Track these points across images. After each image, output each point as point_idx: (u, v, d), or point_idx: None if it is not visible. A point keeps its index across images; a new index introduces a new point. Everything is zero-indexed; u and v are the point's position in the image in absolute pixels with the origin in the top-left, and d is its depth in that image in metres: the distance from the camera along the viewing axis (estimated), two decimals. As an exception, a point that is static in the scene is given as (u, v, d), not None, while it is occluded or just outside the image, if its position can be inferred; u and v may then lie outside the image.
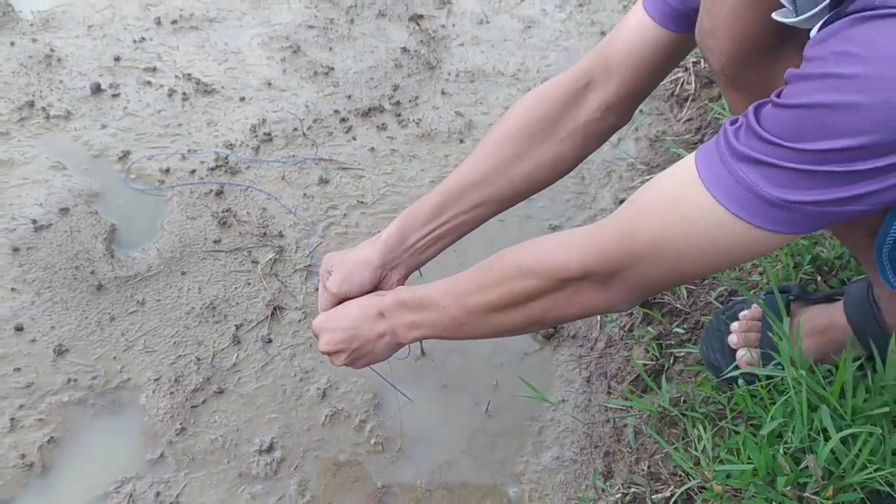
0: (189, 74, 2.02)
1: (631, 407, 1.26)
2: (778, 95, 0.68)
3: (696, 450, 1.07)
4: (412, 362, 1.42)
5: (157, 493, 1.21)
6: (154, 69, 2.04)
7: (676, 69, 2.06)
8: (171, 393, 1.34)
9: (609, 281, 0.84)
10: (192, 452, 1.27)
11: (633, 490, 1.15)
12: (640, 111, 1.98)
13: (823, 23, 0.66)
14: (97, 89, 1.95)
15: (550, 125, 1.11)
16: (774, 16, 0.77)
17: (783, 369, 1.04)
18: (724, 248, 0.75)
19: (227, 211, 1.66)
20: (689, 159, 0.77)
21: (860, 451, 0.93)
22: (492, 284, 0.93)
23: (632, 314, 1.45)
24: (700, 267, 0.80)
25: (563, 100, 1.11)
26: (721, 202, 0.72)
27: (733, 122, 0.72)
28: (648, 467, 1.17)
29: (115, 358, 1.39)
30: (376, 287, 1.13)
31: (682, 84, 2.01)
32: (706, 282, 1.40)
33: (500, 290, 0.92)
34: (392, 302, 1.05)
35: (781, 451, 0.97)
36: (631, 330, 1.42)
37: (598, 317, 1.47)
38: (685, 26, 1.01)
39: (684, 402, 1.19)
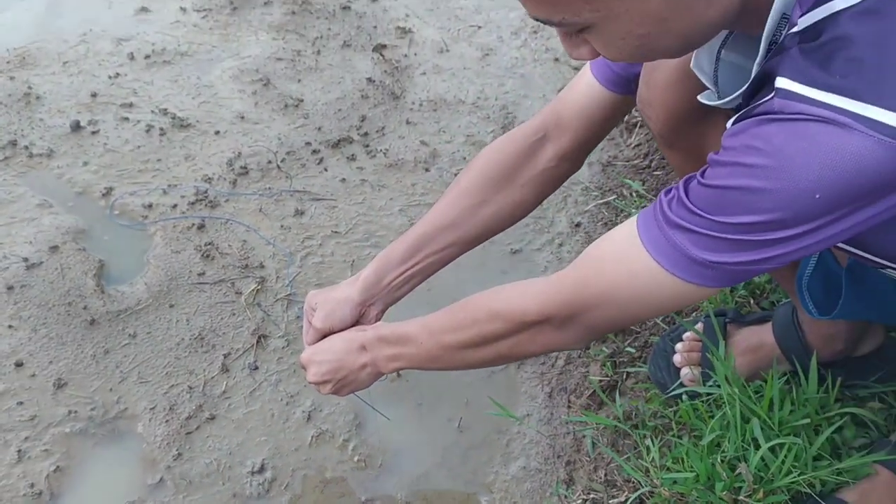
0: (165, 109, 2.11)
1: (587, 421, 1.40)
2: (702, 174, 0.82)
3: (645, 460, 1.21)
4: (389, 384, 1.54)
5: (160, 516, 1.32)
6: (130, 105, 2.12)
7: (625, 97, 2.20)
8: (167, 421, 1.44)
9: (565, 324, 0.97)
10: (189, 476, 1.38)
11: (592, 496, 1.29)
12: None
13: (737, 118, 0.80)
14: (77, 126, 2.03)
15: (510, 174, 1.25)
16: (699, 98, 0.91)
17: (720, 387, 1.18)
18: (662, 298, 0.88)
19: (209, 244, 1.76)
20: (632, 223, 0.90)
21: (785, 458, 1.08)
22: (463, 325, 1.06)
23: (588, 333, 1.59)
24: (642, 314, 0.94)
25: (521, 151, 1.24)
26: (658, 261, 0.85)
27: (667, 193, 0.86)
28: (605, 475, 1.31)
29: (111, 389, 1.49)
30: (357, 322, 1.25)
31: (630, 113, 2.16)
32: (654, 303, 1.54)
33: (471, 330, 1.05)
34: (373, 336, 1.17)
35: (719, 459, 1.12)
36: (588, 349, 1.57)
37: (558, 336, 1.61)
38: (628, 89, 1.15)
39: (635, 415, 1.34)
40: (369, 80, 2.26)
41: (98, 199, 1.86)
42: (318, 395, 1.49)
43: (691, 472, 1.14)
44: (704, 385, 1.24)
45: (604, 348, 1.51)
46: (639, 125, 2.14)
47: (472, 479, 1.41)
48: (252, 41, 2.39)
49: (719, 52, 0.94)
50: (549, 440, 1.45)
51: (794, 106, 0.73)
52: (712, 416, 1.19)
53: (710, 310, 1.32)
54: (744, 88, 0.83)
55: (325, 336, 1.24)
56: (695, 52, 0.94)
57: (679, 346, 1.33)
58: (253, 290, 1.68)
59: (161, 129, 2.05)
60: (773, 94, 0.75)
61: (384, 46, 2.42)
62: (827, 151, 0.71)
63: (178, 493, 1.36)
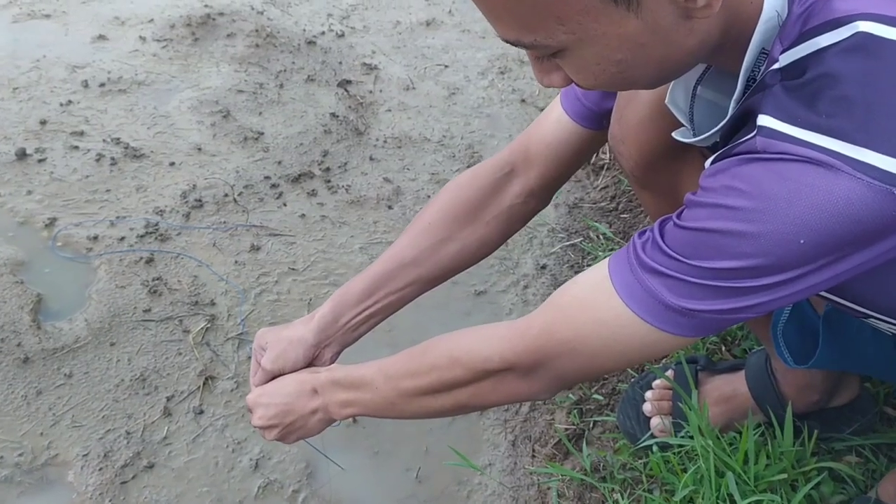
0: (118, 139, 2.03)
1: (552, 473, 1.33)
2: (679, 216, 0.77)
3: (615, 516, 1.14)
4: (344, 430, 1.45)
5: (87, 574, 1.21)
6: (81, 133, 2.04)
7: (593, 139, 2.18)
8: (100, 469, 1.34)
9: (530, 373, 0.90)
10: (122, 530, 1.27)
11: (557, 554, 1.21)
12: (560, 178, 2.09)
13: (716, 157, 0.75)
14: (22, 154, 1.94)
15: (476, 210, 1.19)
16: (674, 135, 0.87)
17: (693, 438, 1.12)
18: (633, 347, 0.82)
19: (157, 279, 1.67)
20: (603, 266, 0.85)
21: (761, 517, 1.02)
22: (422, 371, 0.99)
23: (554, 379, 1.52)
24: (612, 363, 0.87)
25: (487, 186, 1.19)
26: (629, 306, 0.79)
27: (641, 234, 0.81)
28: (571, 531, 1.23)
29: (42, 433, 1.38)
30: (310, 364, 1.17)
31: (597, 154, 2.13)
32: (622, 348, 1.49)
33: (430, 377, 0.98)
34: (326, 380, 1.09)
35: (692, 516, 1.05)
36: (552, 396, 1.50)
37: (523, 382, 1.54)
38: (598, 125, 1.11)
39: (603, 467, 1.27)
40: (333, 115, 2.21)
41: (40, 230, 1.76)
42: (268, 442, 1.40)
43: (663, 530, 1.07)
44: (676, 436, 1.18)
45: (570, 395, 1.44)
46: (605, 167, 2.11)
47: (429, 535, 1.32)
48: (213, 72, 2.33)
49: (695, 88, 0.90)
50: (511, 492, 1.37)
51: (777, 145, 0.68)
52: (685, 470, 1.12)
53: (681, 357, 1.26)
54: (722, 125, 0.79)
55: (274, 378, 1.16)
56: (670, 87, 0.89)
57: (649, 394, 1.27)
58: (202, 328, 1.59)
59: (112, 158, 1.97)
60: (755, 133, 0.70)
61: (349, 82, 2.38)
62: (813, 194, 0.66)
63: (109, 549, 1.25)
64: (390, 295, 1.18)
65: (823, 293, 0.88)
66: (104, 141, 2.02)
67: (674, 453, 1.15)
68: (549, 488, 1.34)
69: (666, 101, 0.89)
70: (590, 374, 0.91)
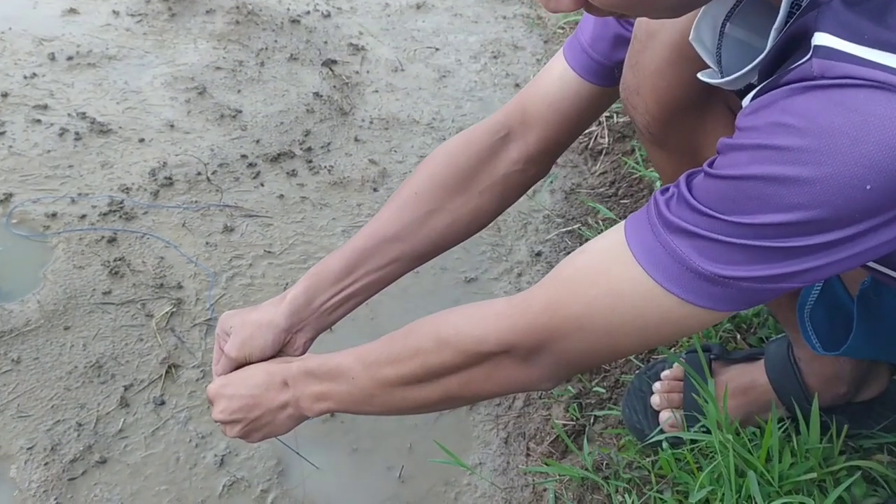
0: (83, 113, 1.90)
1: (550, 472, 1.20)
2: (710, 164, 0.65)
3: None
4: (319, 425, 1.32)
5: (24, 582, 1.07)
6: (45, 106, 1.90)
7: (590, 123, 2.06)
8: (46, 464, 1.20)
9: (531, 357, 0.78)
10: (67, 532, 1.14)
11: (555, 563, 1.08)
12: (556, 164, 1.97)
13: (757, 91, 0.63)
14: (-21, 126, 1.80)
15: (468, 178, 1.06)
16: (700, 76, 0.75)
17: (709, 432, 1.00)
18: (655, 323, 0.70)
19: (119, 260, 1.53)
20: (618, 228, 0.72)
21: (790, 521, 0.89)
22: (405, 356, 0.86)
23: (550, 372, 1.40)
24: (629, 343, 0.75)
25: (480, 152, 1.06)
26: (651, 275, 0.67)
27: (664, 192, 0.68)
28: (571, 537, 1.11)
29: (-18, 424, 1.25)
30: (280, 351, 1.04)
31: (595, 138, 2.02)
32: (625, 338, 1.36)
33: (414, 362, 0.85)
34: (298, 370, 0.97)
35: (710, 520, 0.93)
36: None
37: (516, 374, 1.42)
38: (608, 80, 0.99)
39: (607, 466, 1.14)
40: (316, 94, 2.08)
41: (-6, 206, 1.62)
42: (230, 439, 1.26)
43: (677, 535, 0.94)
44: (689, 431, 1.05)
45: (569, 388, 1.31)
46: (604, 152, 1.99)
47: (412, 540, 1.19)
48: (190, 49, 2.20)
49: (723, 25, 0.77)
50: (504, 493, 1.24)
51: (839, 68, 0.56)
52: (700, 469, 1.00)
53: (696, 342, 1.14)
54: (761, 58, 0.66)
55: (239, 367, 1.03)
56: (695, 23, 0.77)
57: (657, 385, 1.15)
58: (167, 312, 1.46)
59: (77, 133, 1.83)
60: (809, 55, 0.58)
61: (334, 62, 2.25)
62: (883, 128, 0.54)
63: (52, 554, 1.11)
64: (371, 273, 1.06)
65: (871, 263, 0.77)
66: (69, 115, 1.88)
67: (687, 450, 1.03)
68: (545, 490, 1.22)
69: (690, 38, 0.77)
70: (600, 358, 0.79)
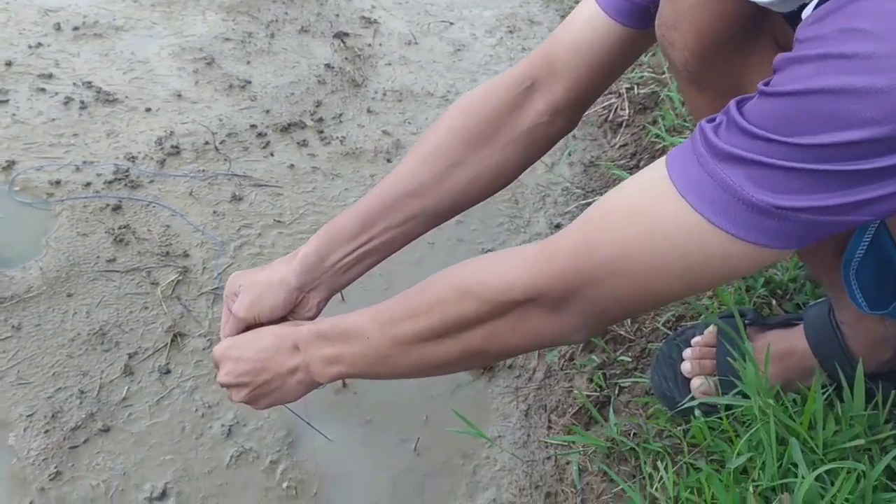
0: (89, 83, 1.84)
1: (574, 443, 1.14)
2: (766, 84, 0.58)
3: (652, 487, 0.95)
4: (332, 395, 1.26)
5: (22, 552, 1.02)
6: (50, 76, 1.85)
7: (609, 94, 2.00)
8: (47, 431, 1.15)
9: (561, 305, 0.72)
10: (67, 501, 1.08)
11: (580, 536, 1.02)
12: (574, 136, 1.91)
13: (819, 1, 0.57)
14: (-18, 94, 1.75)
15: (491, 130, 1.00)
16: None
17: (746, 398, 0.94)
18: (699, 264, 0.64)
19: (124, 227, 1.48)
20: (658, 164, 0.66)
21: (839, 489, 0.83)
22: (423, 309, 0.80)
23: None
24: (670, 288, 0.68)
25: (504, 103, 1.00)
26: (697, 209, 0.61)
27: (710, 120, 0.62)
28: (597, 510, 1.05)
29: (-20, 391, 1.19)
30: (291, 312, 0.99)
31: (615, 110, 1.95)
32: (651, 308, 1.30)
33: (432, 315, 0.79)
34: (309, 333, 0.91)
35: (751, 489, 0.86)
36: (572, 359, 1.31)
37: (536, 346, 1.36)
38: (642, 21, 0.92)
39: (635, 435, 1.08)
40: (328, 66, 2.03)
41: (-4, 173, 1.57)
42: (244, 406, 1.21)
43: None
44: (724, 397, 0.99)
45: (593, 357, 1.25)
46: (624, 124, 1.93)
47: (429, 514, 1.13)
48: (198, 20, 2.15)
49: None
50: (525, 467, 1.18)
51: None
52: (737, 436, 0.94)
53: (730, 307, 1.08)
54: None
55: (248, 329, 0.97)
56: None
57: (688, 352, 1.08)
58: (172, 280, 1.40)
59: (82, 102, 1.78)
60: None
61: (346, 34, 2.19)
62: None
63: (51, 524, 1.06)
64: (388, 231, 0.99)
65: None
66: (74, 84, 1.83)
67: (724, 416, 0.97)
68: (568, 463, 1.16)
69: None
70: (637, 305, 0.72)
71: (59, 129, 1.70)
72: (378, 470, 1.18)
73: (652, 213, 0.64)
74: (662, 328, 1.22)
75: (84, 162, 1.62)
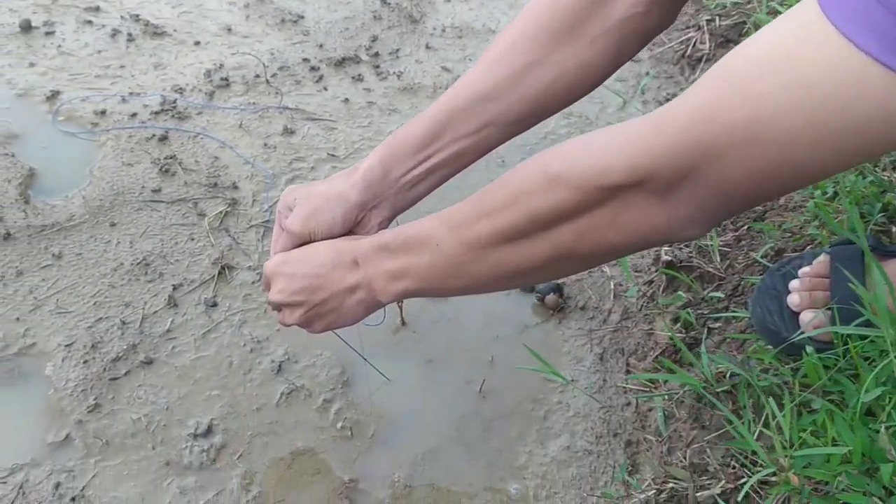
0: (137, 16, 1.76)
1: (656, 386, 1.02)
2: None
3: (770, 429, 0.82)
4: (390, 335, 1.16)
5: (57, 485, 0.94)
6: (97, 8, 1.77)
7: (687, 28, 1.85)
8: (86, 361, 1.07)
9: (674, 189, 0.60)
10: (106, 435, 1.00)
11: (670, 486, 0.90)
12: (647, 73, 1.77)
13: None
14: (28, 26, 1.68)
15: (576, 23, 0.87)
16: None
17: (875, 328, 0.80)
18: (864, 117, 0.51)
19: (170, 158, 1.40)
20: (803, 3, 0.53)
21: None
22: (503, 204, 0.69)
23: (652, 280, 1.21)
24: (817, 158, 0.55)
25: (590, -7, 0.87)
26: (865, 48, 0.48)
27: None
28: (688, 458, 0.93)
29: (18, 319, 1.12)
30: (351, 231, 0.89)
31: (694, 44, 1.80)
32: (742, 242, 1.17)
33: (514, 210, 0.68)
34: (370, 245, 0.81)
35: (882, 430, 0.74)
36: (652, 299, 1.19)
37: (612, 285, 1.24)
38: None
39: (733, 375, 0.95)
40: (383, 1, 1.91)
41: (40, 103, 1.50)
42: (294, 342, 1.12)
43: (837, 448, 0.75)
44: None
45: (680, 293, 1.13)
46: (704, 59, 1.78)
47: (496, 460, 1.03)
48: (249, -44, 2.05)
49: None
50: (602, 413, 1.07)
51: None
52: (860, 373, 0.81)
53: (854, 228, 0.94)
54: None
55: (302, 245, 0.87)
56: None
57: (795, 283, 0.95)
58: (220, 212, 1.31)
59: (129, 34, 1.70)
60: None
61: (403, -29, 2.07)
62: None
63: (89, 457, 0.98)
64: (459, 140, 0.88)
65: None
66: (122, 17, 1.75)
67: (839, 353, 0.84)
68: (650, 409, 1.04)
69: None
70: (768, 186, 0.57)
71: (106, 60, 1.63)
72: (440, 413, 1.07)
73: (801, 59, 0.51)
74: (762, 261, 1.08)
75: (130, 93, 1.54)
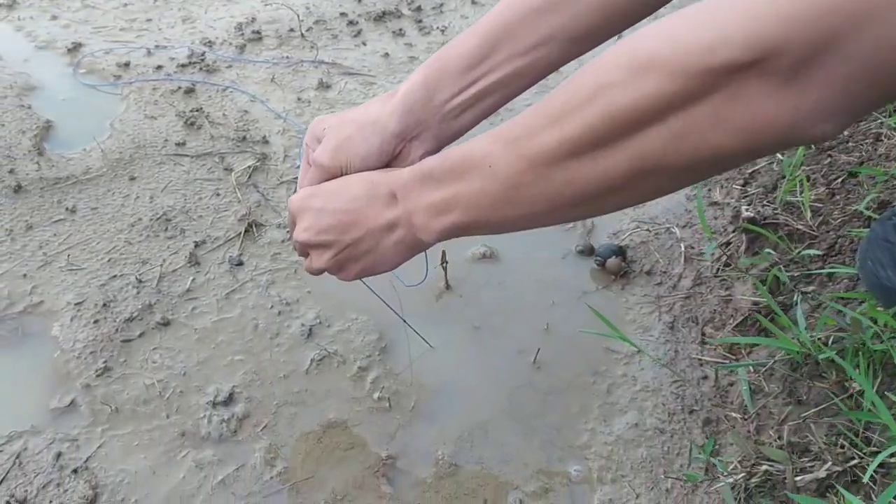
0: (166, -30, 1.67)
1: (738, 357, 0.88)
2: None
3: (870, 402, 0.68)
4: (433, 299, 1.04)
5: (58, 455, 0.83)
6: (124, -37, 1.69)
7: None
8: (96, 321, 0.96)
9: (805, 68, 0.45)
10: (115, 401, 0.89)
11: (763, 468, 0.77)
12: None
13: None
14: (52, -20, 1.60)
15: None
16: None
17: None
18: None
19: (197, 111, 1.29)
20: None
21: None
22: (578, 104, 0.54)
23: (729, 242, 1.07)
24: None
25: None
26: None
27: None
28: (785, 436, 0.79)
29: (25, 275, 1.02)
30: (388, 164, 0.76)
31: None
32: (838, 196, 1.02)
33: (591, 110, 0.53)
34: (411, 175, 0.68)
35: None
36: (728, 264, 1.05)
37: (682, 247, 1.10)
38: None
39: (833, 342, 0.81)
40: (426, -44, 1.79)
41: (62, 55, 1.41)
42: (326, 305, 1.00)
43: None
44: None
45: (769, 251, 0.99)
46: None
47: (554, 438, 0.90)
48: (285, -87, 1.94)
49: None
50: (674, 387, 0.93)
51: None
52: None
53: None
54: None
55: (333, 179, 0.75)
56: None
57: (912, 233, 0.81)
58: (249, 167, 1.20)
59: (157, -12, 1.61)
60: None
61: (447, -72, 1.95)
62: None
63: (95, 425, 0.87)
64: (514, 59, 0.75)
65: None
66: (150, -28, 1.66)
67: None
68: (731, 383, 0.90)
69: None
70: None
71: (132, 14, 1.53)
72: (489, 384, 0.95)
73: None
74: (867, 212, 0.94)
75: (156, 46, 1.44)
